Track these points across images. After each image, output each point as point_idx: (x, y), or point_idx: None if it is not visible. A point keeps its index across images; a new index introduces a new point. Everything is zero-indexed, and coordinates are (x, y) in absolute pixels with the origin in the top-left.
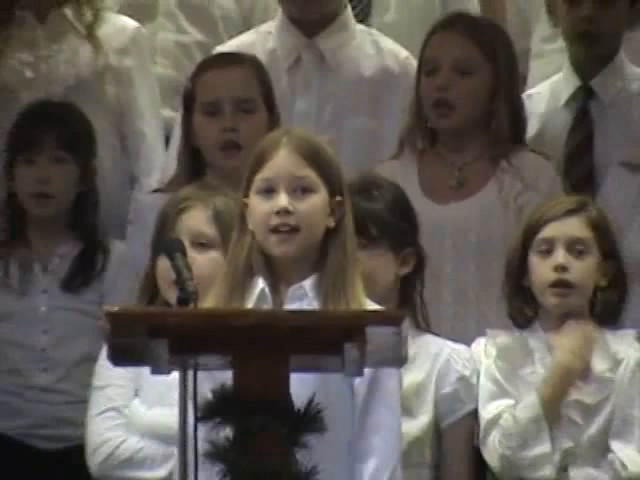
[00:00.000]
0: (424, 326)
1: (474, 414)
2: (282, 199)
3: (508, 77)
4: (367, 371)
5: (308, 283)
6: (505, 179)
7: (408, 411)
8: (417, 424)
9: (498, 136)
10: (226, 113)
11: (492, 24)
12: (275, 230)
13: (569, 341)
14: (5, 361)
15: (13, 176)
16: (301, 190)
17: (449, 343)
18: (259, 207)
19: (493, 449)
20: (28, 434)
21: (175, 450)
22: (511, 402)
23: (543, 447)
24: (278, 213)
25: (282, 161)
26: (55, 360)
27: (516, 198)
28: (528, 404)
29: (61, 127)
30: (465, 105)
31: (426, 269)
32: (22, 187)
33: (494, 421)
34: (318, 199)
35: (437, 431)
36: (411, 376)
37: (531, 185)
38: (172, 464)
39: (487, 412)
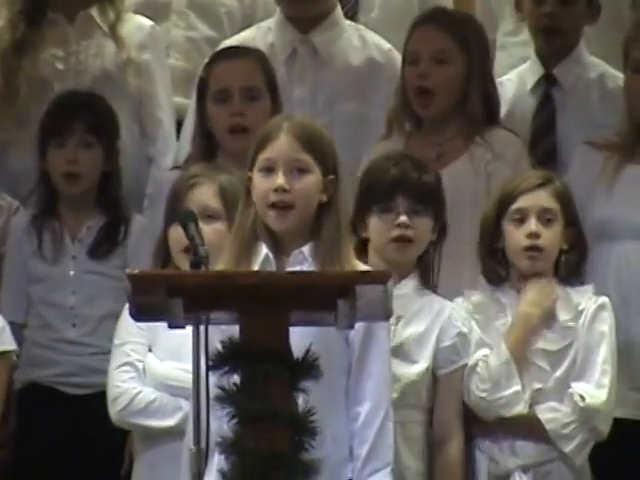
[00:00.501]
0: (432, 287)
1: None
2: (280, 178)
3: (480, 64)
4: (361, 325)
5: (307, 249)
6: (478, 151)
7: (408, 357)
8: (415, 369)
9: (472, 117)
10: (235, 100)
11: (466, 17)
12: (273, 206)
13: (529, 294)
14: (39, 318)
15: (45, 157)
16: (297, 171)
17: (450, 303)
18: (260, 184)
19: (472, 394)
20: (59, 381)
21: (183, 402)
22: (487, 352)
23: (515, 387)
24: (276, 191)
25: (282, 144)
26: (82, 317)
27: (486, 166)
28: (497, 351)
29: (88, 114)
30: (443, 91)
31: None
32: (53, 167)
33: (472, 369)
34: (312, 179)
35: (433, 378)
36: (414, 327)
37: (500, 155)
38: (181, 415)
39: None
